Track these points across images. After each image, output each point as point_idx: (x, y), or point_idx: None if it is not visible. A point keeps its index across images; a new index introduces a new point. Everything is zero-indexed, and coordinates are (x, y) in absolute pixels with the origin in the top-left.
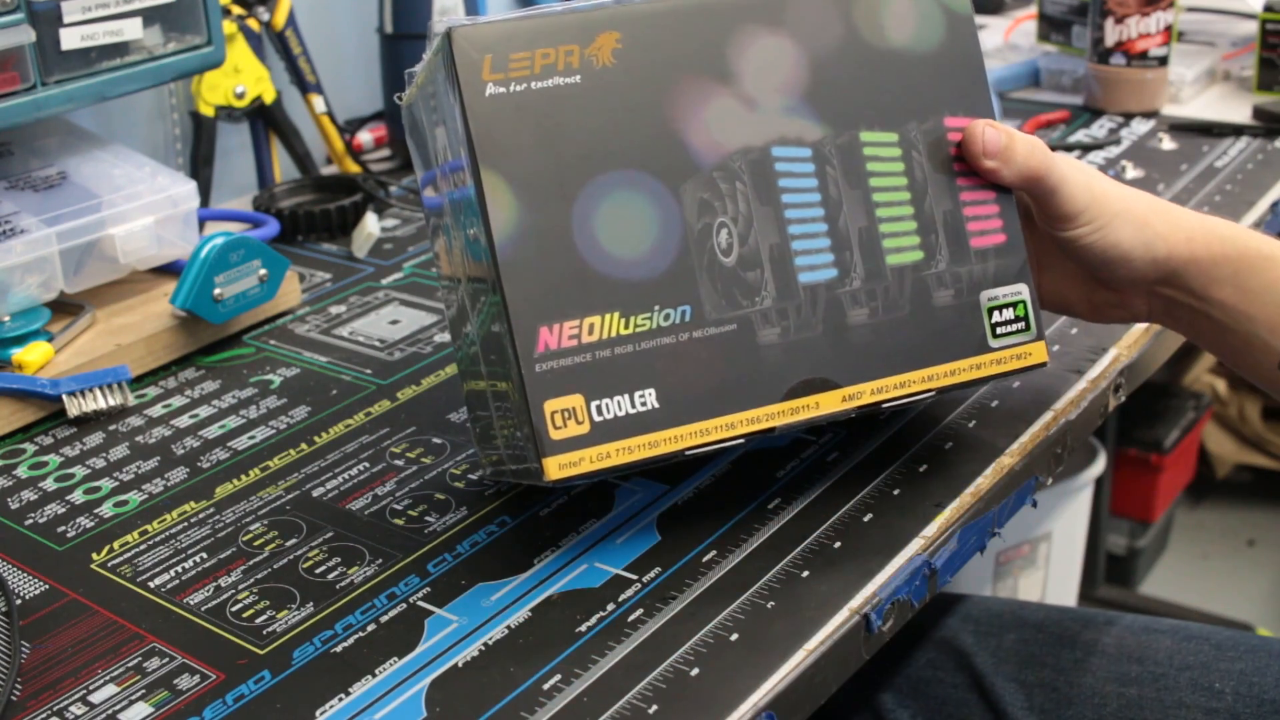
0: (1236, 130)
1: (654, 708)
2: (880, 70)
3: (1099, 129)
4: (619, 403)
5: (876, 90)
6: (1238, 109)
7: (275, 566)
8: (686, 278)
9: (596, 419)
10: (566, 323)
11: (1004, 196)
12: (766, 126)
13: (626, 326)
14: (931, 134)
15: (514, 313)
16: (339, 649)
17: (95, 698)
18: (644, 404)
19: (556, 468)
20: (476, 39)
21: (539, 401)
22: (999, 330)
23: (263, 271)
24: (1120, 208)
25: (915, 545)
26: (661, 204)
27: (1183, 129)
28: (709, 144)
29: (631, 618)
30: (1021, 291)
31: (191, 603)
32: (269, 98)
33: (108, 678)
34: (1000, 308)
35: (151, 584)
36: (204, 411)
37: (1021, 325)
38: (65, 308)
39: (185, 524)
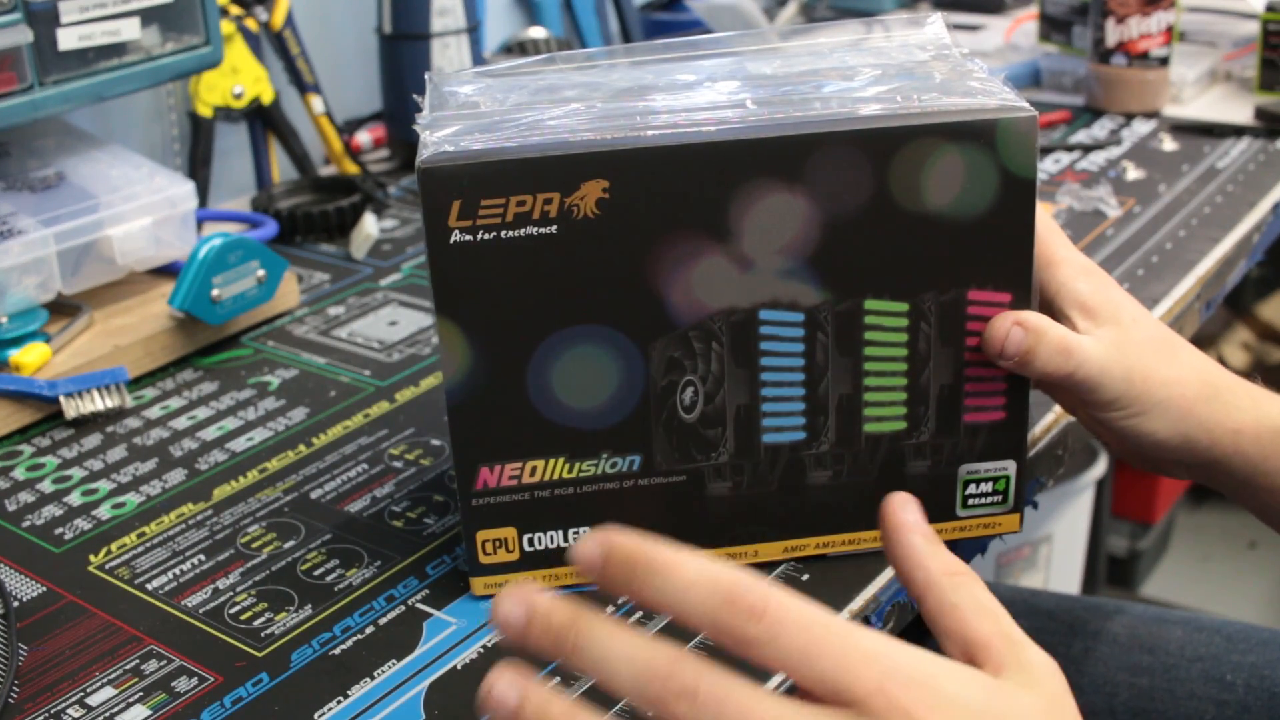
0: (1238, 131)
1: (653, 711)
2: (906, 236)
3: (1100, 129)
4: (551, 537)
5: (896, 257)
6: (1239, 109)
7: (273, 569)
8: (640, 429)
9: (527, 549)
10: (508, 464)
11: (1016, 377)
12: (758, 289)
13: (570, 471)
14: (949, 306)
15: (457, 451)
16: (337, 651)
17: (93, 700)
18: (577, 538)
19: (482, 586)
20: (448, 180)
21: (472, 531)
22: (970, 501)
23: (261, 272)
24: (1162, 396)
25: None
26: (626, 359)
27: (1184, 129)
28: (690, 303)
29: (631, 620)
30: (1008, 468)
31: (189, 605)
32: (267, 98)
33: (105, 680)
34: (978, 481)
35: (149, 586)
36: (202, 413)
37: (998, 499)
38: (63, 309)
39: (183, 526)
